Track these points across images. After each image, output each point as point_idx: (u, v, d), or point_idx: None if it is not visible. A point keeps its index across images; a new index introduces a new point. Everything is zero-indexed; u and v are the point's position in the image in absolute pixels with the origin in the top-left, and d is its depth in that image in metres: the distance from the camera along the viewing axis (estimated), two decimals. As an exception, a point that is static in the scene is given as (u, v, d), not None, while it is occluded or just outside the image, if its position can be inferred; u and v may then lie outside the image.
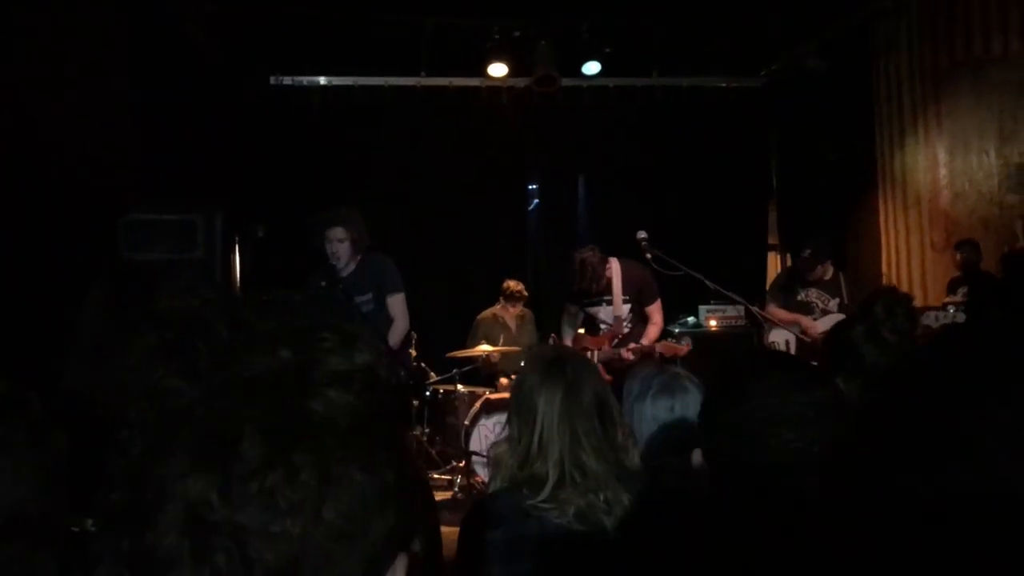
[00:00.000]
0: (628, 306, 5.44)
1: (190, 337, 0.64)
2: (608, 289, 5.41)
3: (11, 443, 1.22)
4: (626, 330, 5.45)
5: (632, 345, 5.32)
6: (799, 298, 5.95)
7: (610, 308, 5.45)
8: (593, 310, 5.55)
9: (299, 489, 0.54)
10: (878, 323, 2.16)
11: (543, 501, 1.87)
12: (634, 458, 2.01)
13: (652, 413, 2.27)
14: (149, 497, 0.54)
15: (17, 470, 1.21)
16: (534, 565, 1.83)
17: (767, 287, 8.84)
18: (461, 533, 1.98)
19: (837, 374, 2.13)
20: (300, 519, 0.54)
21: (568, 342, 5.59)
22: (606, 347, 5.42)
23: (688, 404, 2.24)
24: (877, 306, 2.20)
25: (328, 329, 0.62)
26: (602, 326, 5.53)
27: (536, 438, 1.94)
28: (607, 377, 5.24)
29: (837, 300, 5.80)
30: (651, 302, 5.50)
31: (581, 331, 5.74)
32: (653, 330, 5.51)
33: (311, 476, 0.55)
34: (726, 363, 1.48)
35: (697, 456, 1.38)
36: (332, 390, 0.58)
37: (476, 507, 2.03)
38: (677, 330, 6.96)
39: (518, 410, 2.01)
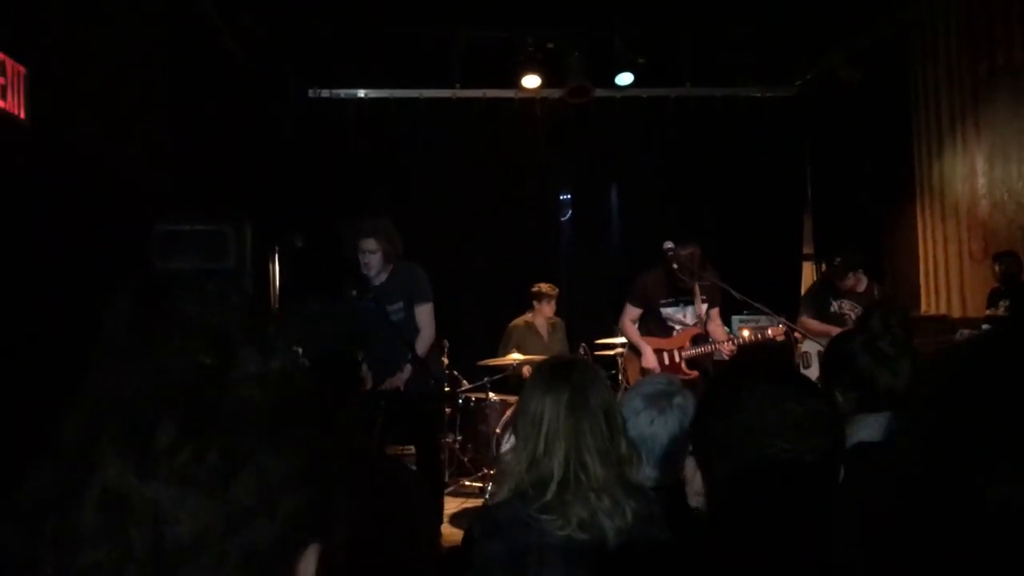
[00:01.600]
0: (705, 307, 5.52)
1: (211, 344, 0.69)
2: (690, 289, 5.49)
3: None
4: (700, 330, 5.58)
5: (743, 338, 5.49)
6: (832, 309, 5.94)
7: (690, 308, 5.54)
8: (669, 311, 5.58)
9: (206, 467, 0.60)
10: (875, 335, 2.15)
11: (546, 508, 1.89)
12: (638, 472, 2.02)
13: (626, 408, 2.28)
14: (75, 478, 0.60)
15: None
16: None
17: (801, 297, 8.80)
18: (463, 542, 2.01)
19: (835, 386, 2.14)
20: (207, 494, 0.60)
21: (640, 343, 5.61)
22: (687, 346, 5.52)
23: (669, 423, 2.24)
24: (874, 319, 2.21)
25: (246, 334, 0.68)
26: (676, 327, 5.58)
27: (543, 438, 1.96)
28: (692, 373, 5.33)
29: None
30: (718, 304, 5.61)
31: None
32: (721, 331, 5.63)
33: (218, 456, 0.61)
34: (718, 374, 1.50)
35: (690, 466, 1.39)
36: (244, 388, 0.64)
37: (478, 517, 2.05)
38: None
39: (525, 416, 2.03)
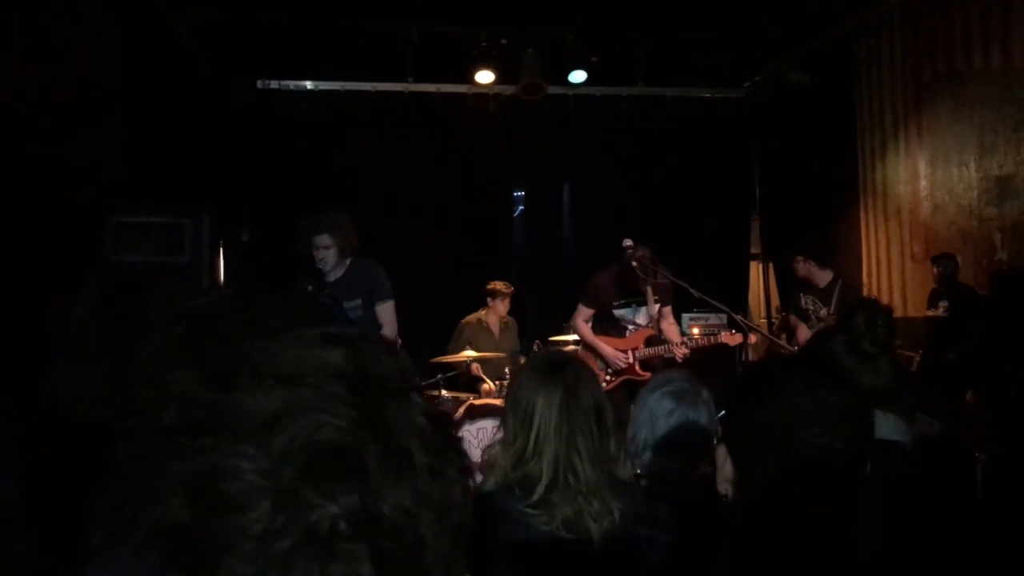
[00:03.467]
0: (658, 307, 5.54)
1: (202, 333, 0.61)
2: (644, 291, 5.51)
3: None
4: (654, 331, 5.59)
5: (690, 340, 5.52)
6: (801, 304, 6.13)
7: (643, 309, 5.55)
8: (621, 312, 5.60)
9: (427, 489, 0.55)
10: (858, 334, 2.18)
11: (533, 505, 1.88)
12: (626, 468, 2.02)
13: (651, 407, 2.29)
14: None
15: None
16: (517, 571, 1.85)
17: (748, 295, 8.99)
18: None
19: None
20: (429, 514, 0.55)
21: (595, 342, 5.61)
22: (641, 347, 5.53)
23: (689, 416, 2.26)
24: (858, 317, 2.22)
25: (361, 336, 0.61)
26: (629, 327, 5.60)
27: (532, 438, 1.93)
28: (645, 374, 5.34)
29: (826, 309, 5.95)
30: (670, 302, 5.65)
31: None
32: (674, 329, 5.67)
33: (429, 482, 0.56)
34: (752, 364, 1.51)
35: (721, 453, 1.40)
36: (408, 399, 0.58)
37: None
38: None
39: (515, 410, 2.00)
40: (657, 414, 2.25)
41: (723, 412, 1.45)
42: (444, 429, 0.61)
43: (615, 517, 1.87)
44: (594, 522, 1.86)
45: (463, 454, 0.62)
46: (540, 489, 1.88)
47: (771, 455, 1.27)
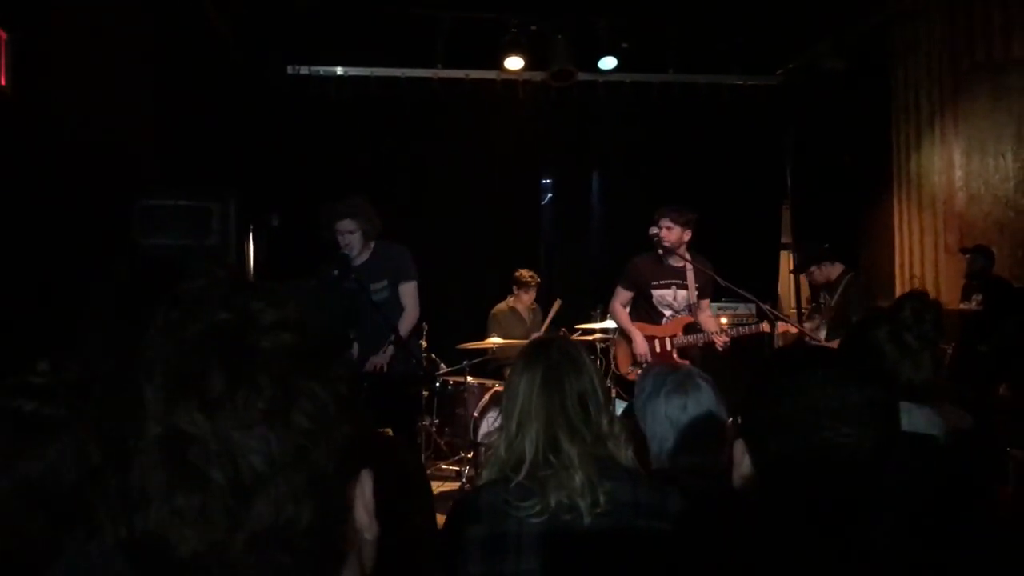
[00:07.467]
0: (697, 294, 5.43)
1: (190, 315, 0.69)
2: (683, 274, 5.40)
3: (65, 424, 1.23)
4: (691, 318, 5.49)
5: (744, 329, 5.43)
6: (820, 301, 6.10)
7: (683, 292, 5.41)
8: (661, 293, 5.43)
9: (264, 402, 0.64)
10: (904, 326, 2.13)
11: (525, 493, 1.88)
12: (625, 452, 2.01)
13: (665, 411, 2.25)
14: (130, 436, 0.63)
15: (76, 449, 1.22)
16: (513, 564, 1.85)
17: (778, 284, 8.92)
18: (444, 527, 2.00)
19: None
20: (271, 426, 0.64)
21: (630, 328, 5.49)
22: (679, 334, 5.42)
23: (702, 402, 2.23)
24: (906, 309, 2.17)
25: (258, 293, 0.70)
26: (667, 312, 5.47)
27: (515, 419, 1.99)
28: (683, 362, 5.25)
29: (831, 300, 6.01)
30: (709, 295, 5.54)
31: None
32: (712, 322, 5.53)
33: (275, 390, 0.65)
34: (773, 356, 1.47)
35: (739, 449, 1.35)
36: (273, 332, 0.67)
37: (459, 502, 2.06)
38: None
39: (505, 394, 2.08)
40: (674, 415, 2.22)
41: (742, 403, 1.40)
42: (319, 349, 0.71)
43: (600, 498, 1.86)
44: (580, 499, 1.85)
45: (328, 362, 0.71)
46: (526, 467, 1.92)
47: (796, 452, 1.22)
